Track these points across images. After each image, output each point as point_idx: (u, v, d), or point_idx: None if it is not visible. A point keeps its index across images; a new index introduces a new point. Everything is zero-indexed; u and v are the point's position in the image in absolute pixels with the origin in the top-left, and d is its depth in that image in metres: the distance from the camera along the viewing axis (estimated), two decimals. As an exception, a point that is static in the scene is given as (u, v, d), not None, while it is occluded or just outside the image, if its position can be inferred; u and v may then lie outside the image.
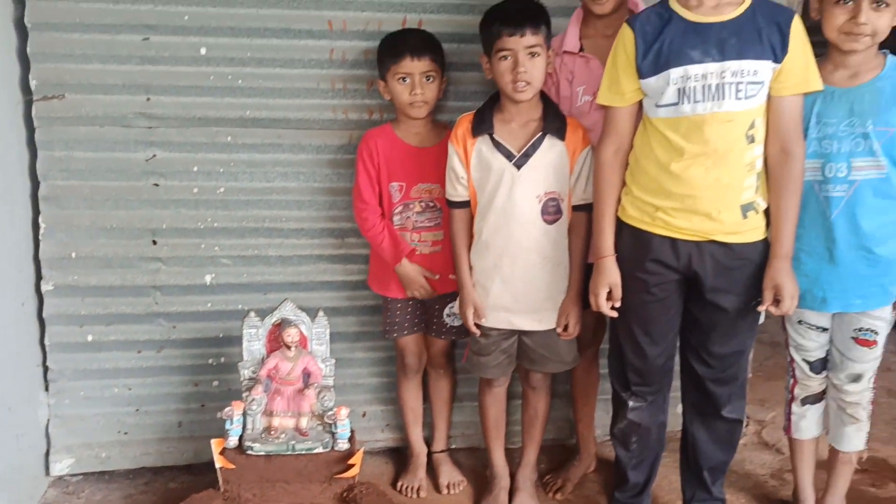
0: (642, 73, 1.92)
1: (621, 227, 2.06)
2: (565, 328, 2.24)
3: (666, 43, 1.89)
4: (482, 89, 2.41)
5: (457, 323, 2.41)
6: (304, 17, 2.40)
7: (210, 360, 2.61)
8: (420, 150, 2.37)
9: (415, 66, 2.27)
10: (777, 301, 1.97)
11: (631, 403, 2.21)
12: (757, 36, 1.85)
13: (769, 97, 1.91)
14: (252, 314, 2.28)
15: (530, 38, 2.06)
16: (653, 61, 1.90)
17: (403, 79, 2.28)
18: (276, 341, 2.28)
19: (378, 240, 2.37)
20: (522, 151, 2.14)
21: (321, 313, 2.29)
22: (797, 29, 1.87)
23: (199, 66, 2.39)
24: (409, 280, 2.38)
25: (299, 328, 2.26)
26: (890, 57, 2.02)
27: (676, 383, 2.29)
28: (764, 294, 1.98)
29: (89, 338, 2.52)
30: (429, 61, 2.28)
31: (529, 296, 2.23)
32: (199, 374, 2.62)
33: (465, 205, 2.25)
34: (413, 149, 2.37)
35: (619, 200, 2.07)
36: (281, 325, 2.26)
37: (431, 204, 2.38)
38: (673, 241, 1.99)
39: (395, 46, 2.30)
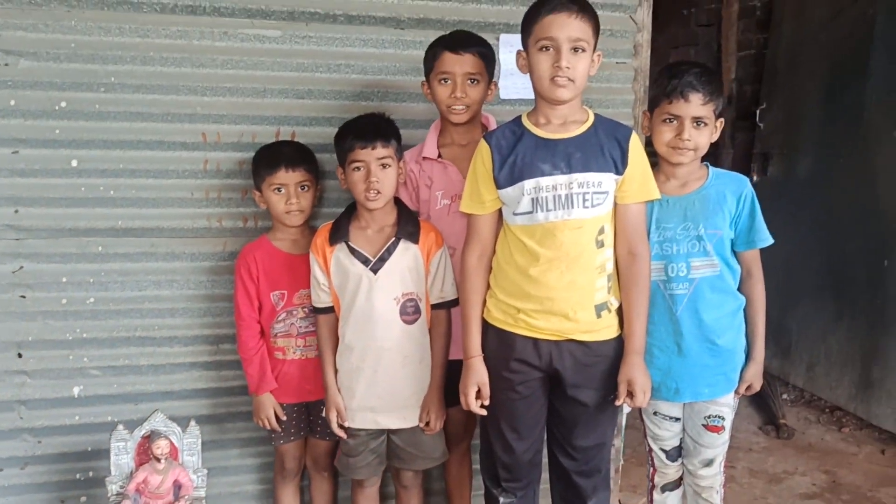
0: (499, 184, 2.05)
1: (487, 328, 2.15)
2: (428, 423, 2.30)
3: (519, 157, 2.03)
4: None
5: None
6: (177, 129, 2.46)
7: (77, 475, 2.53)
8: (298, 257, 2.42)
9: (290, 177, 2.36)
10: (631, 395, 2.08)
11: (502, 500, 2.27)
12: (600, 151, 2.02)
13: (615, 205, 2.07)
14: (120, 426, 2.24)
15: (381, 151, 2.19)
16: (508, 173, 2.04)
17: (279, 189, 2.36)
18: (145, 454, 2.24)
19: (247, 363, 2.41)
20: (378, 256, 2.24)
21: (193, 423, 2.27)
22: (635, 144, 2.06)
23: (71, 177, 2.40)
24: (261, 409, 2.41)
25: (169, 439, 2.23)
26: (711, 168, 2.26)
27: (546, 475, 2.36)
28: (618, 389, 2.09)
29: (-54, 457, 2.42)
30: (303, 172, 2.38)
31: (393, 394, 2.29)
32: (66, 490, 2.53)
33: (330, 310, 2.32)
34: (291, 257, 2.42)
35: (484, 303, 2.17)
36: (150, 436, 2.22)
37: None
38: (535, 340, 2.08)
39: (270, 158, 2.38)
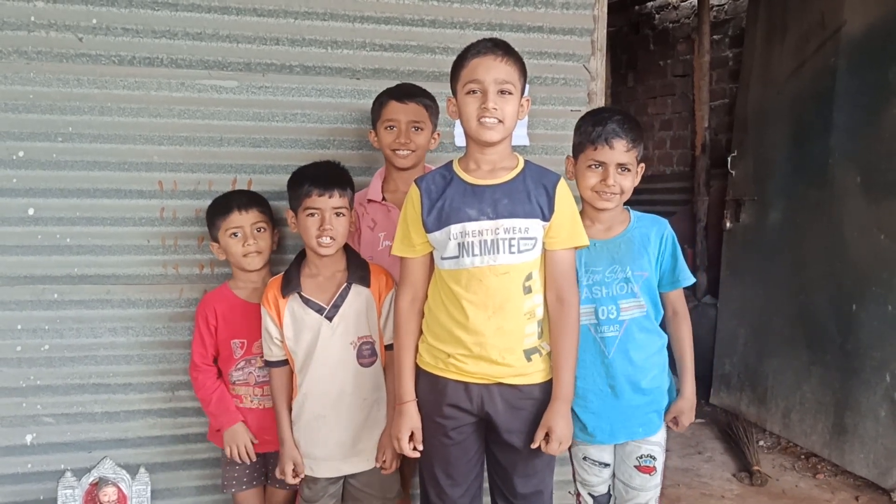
0: (428, 228, 2.06)
1: (419, 373, 2.14)
2: (385, 462, 2.28)
3: (447, 201, 2.05)
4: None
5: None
6: (134, 178, 2.50)
7: (28, 525, 2.51)
8: (258, 305, 2.39)
9: (244, 219, 2.39)
10: (547, 441, 2.05)
11: None
12: (526, 197, 2.03)
13: (545, 251, 2.08)
14: (68, 474, 2.23)
15: (337, 200, 2.22)
16: (436, 217, 2.05)
17: (235, 233, 2.39)
18: (94, 502, 2.23)
19: (206, 402, 2.41)
20: (332, 303, 2.25)
21: (142, 470, 2.27)
22: (563, 191, 2.07)
23: (27, 226, 2.44)
24: (233, 439, 2.39)
25: (118, 486, 2.23)
26: (631, 211, 2.29)
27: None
28: (537, 432, 2.05)
29: None
30: (257, 213, 2.41)
31: (355, 438, 2.28)
32: (17, 540, 2.51)
33: (283, 363, 2.31)
34: (251, 305, 2.42)
35: (417, 348, 2.16)
36: (98, 484, 2.22)
37: None
38: (465, 384, 2.07)
39: (223, 205, 2.42)
